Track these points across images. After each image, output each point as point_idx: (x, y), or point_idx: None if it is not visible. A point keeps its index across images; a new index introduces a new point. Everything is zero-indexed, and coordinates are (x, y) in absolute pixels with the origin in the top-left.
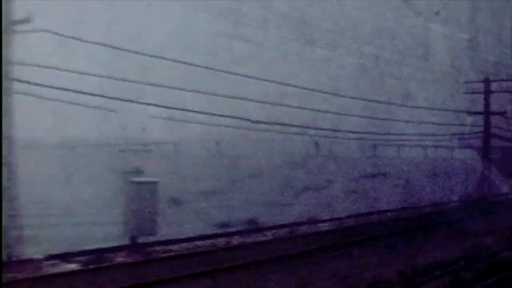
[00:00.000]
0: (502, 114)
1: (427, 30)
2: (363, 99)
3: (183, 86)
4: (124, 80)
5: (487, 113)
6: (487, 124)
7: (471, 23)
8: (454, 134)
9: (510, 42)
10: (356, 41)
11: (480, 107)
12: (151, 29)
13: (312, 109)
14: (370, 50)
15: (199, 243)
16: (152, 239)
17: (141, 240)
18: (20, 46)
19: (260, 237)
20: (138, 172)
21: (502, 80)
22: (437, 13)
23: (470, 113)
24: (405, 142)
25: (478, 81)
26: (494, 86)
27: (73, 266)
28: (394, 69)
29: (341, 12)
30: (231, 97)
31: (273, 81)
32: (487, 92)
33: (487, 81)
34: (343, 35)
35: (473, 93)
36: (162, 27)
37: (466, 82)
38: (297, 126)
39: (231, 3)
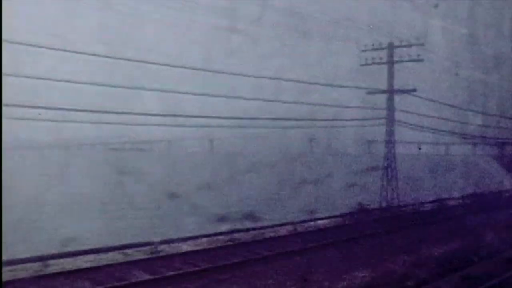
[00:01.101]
0: (411, 92)
1: (425, 23)
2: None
3: (179, 84)
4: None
5: (391, 91)
6: (390, 106)
7: (470, 16)
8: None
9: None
10: (353, 35)
11: None
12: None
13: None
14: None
15: None
16: None
17: None
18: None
19: None
20: None
21: (410, 45)
22: (436, 7)
23: (371, 91)
24: None
25: (380, 48)
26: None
27: None
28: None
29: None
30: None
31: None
32: (391, 62)
33: (390, 47)
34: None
35: (373, 64)
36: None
37: (363, 51)
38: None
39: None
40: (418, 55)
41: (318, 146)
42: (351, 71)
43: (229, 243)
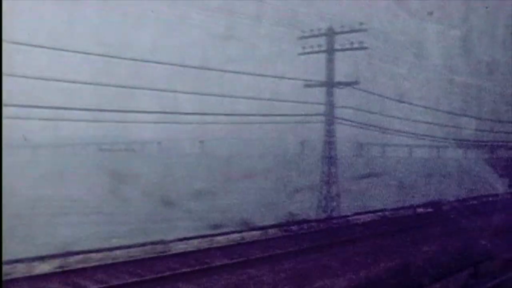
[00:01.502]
0: (353, 84)
1: (420, 30)
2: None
3: (175, 86)
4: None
5: (330, 84)
6: (330, 101)
7: (465, 22)
8: None
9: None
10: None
11: None
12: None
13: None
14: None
15: None
16: None
17: None
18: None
19: None
20: None
21: (353, 31)
22: (431, 14)
23: (309, 84)
24: None
25: (318, 35)
26: None
27: None
28: (387, 67)
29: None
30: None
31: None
32: (332, 51)
33: (330, 34)
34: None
35: (311, 52)
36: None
37: (302, 38)
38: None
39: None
40: (361, 42)
41: (268, 145)
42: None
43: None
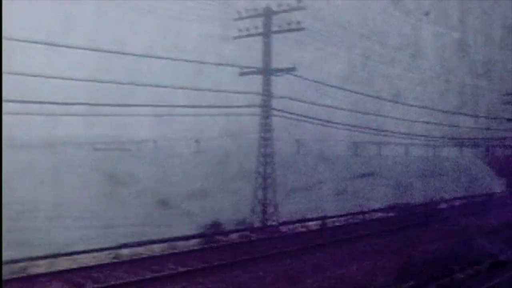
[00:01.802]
0: (290, 71)
1: (416, 30)
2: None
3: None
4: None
5: (267, 70)
6: (267, 89)
7: (461, 23)
8: None
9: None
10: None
11: None
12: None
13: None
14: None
15: None
16: None
17: None
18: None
19: None
20: None
21: (291, 9)
22: (427, 14)
23: (244, 73)
24: None
25: (254, 15)
26: None
27: None
28: (384, 69)
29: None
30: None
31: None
32: (267, 33)
33: (267, 15)
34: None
35: (248, 36)
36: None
37: (237, 19)
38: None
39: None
40: (298, 22)
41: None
42: None
43: None
